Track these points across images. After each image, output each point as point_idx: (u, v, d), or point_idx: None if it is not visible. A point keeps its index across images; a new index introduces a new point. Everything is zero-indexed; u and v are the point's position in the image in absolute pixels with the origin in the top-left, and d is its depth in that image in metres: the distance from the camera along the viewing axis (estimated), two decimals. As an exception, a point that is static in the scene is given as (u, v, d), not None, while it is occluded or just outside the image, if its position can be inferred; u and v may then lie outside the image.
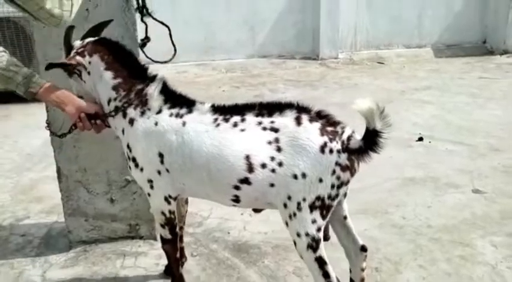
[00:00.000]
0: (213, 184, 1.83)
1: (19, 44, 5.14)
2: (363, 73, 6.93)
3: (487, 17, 8.11)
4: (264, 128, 1.77)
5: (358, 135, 1.75)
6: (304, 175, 1.71)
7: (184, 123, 1.85)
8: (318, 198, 1.72)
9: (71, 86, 2.15)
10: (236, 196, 1.83)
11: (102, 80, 1.92)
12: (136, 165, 1.93)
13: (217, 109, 1.87)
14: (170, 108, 1.89)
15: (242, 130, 1.79)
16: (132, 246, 2.62)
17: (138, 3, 2.49)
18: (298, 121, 1.75)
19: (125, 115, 1.92)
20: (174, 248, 2.10)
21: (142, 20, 2.47)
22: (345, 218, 1.97)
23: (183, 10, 6.92)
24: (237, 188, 1.79)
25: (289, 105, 1.80)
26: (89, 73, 1.92)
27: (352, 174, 1.76)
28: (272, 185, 1.75)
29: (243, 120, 1.81)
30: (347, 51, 7.80)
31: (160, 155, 1.86)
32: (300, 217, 1.74)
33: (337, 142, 1.72)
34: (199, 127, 1.83)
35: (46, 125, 2.22)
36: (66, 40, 1.94)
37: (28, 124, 4.62)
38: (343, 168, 1.72)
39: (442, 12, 8.04)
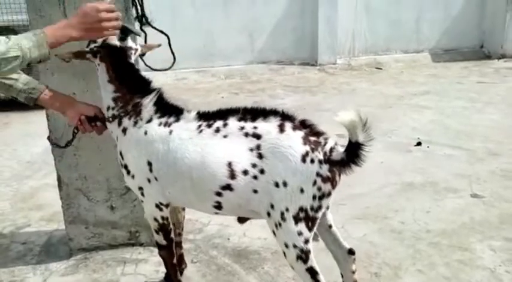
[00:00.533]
0: (196, 191, 1.84)
1: (19, 53, 5.16)
2: (361, 78, 6.97)
3: (484, 21, 8.18)
4: (246, 134, 1.76)
5: (341, 147, 1.74)
6: (285, 183, 1.70)
7: (171, 132, 1.87)
8: (301, 209, 1.72)
9: (72, 91, 2.19)
10: (218, 202, 1.83)
11: (104, 88, 1.96)
12: (128, 173, 1.97)
13: (202, 116, 1.88)
14: (160, 117, 1.91)
15: (224, 136, 1.79)
16: (133, 253, 2.63)
17: (137, 12, 2.52)
18: (281, 128, 1.74)
19: (120, 124, 1.96)
20: (170, 254, 2.12)
21: (141, 29, 2.50)
22: (330, 226, 1.98)
23: (183, 17, 6.98)
24: (219, 194, 1.80)
25: (273, 112, 1.79)
26: (97, 70, 1.95)
27: (333, 186, 1.74)
28: (255, 191, 1.75)
29: (225, 125, 1.80)
30: (345, 57, 7.86)
31: (149, 164, 1.88)
32: (286, 228, 1.74)
33: (319, 152, 1.71)
34: (184, 135, 1.84)
35: (48, 138, 2.24)
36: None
37: (28, 132, 4.64)
38: (324, 180, 1.71)
39: (439, 18, 8.11)
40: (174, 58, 2.61)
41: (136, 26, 2.52)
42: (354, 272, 2.01)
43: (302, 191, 1.70)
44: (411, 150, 4.14)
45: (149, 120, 1.91)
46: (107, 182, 2.55)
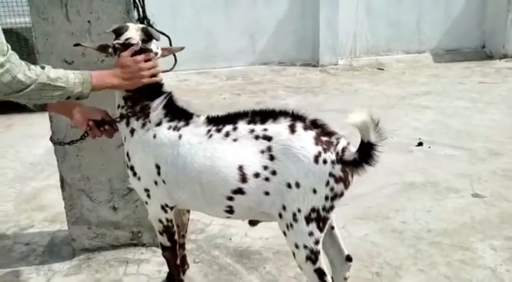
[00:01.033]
0: (206, 196, 1.84)
1: (22, 55, 5.18)
2: (363, 79, 6.98)
3: (485, 21, 8.17)
4: (257, 137, 1.76)
5: (353, 147, 1.74)
6: (298, 184, 1.70)
7: (180, 136, 1.86)
8: (313, 209, 1.72)
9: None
10: (230, 207, 1.83)
11: None
12: (134, 174, 1.96)
13: (211, 120, 1.88)
14: (169, 121, 1.90)
15: (234, 140, 1.78)
16: (135, 253, 2.64)
17: (139, 14, 2.54)
18: (292, 129, 1.73)
19: (128, 124, 1.96)
20: (173, 255, 2.12)
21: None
22: (332, 228, 1.98)
23: (184, 19, 7.00)
24: (230, 198, 1.80)
25: (283, 113, 1.79)
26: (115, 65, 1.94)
27: (346, 187, 1.74)
28: (267, 193, 1.75)
29: (235, 129, 1.80)
30: (347, 58, 7.86)
31: (157, 167, 1.88)
32: (297, 229, 1.74)
33: (331, 153, 1.70)
34: (194, 139, 1.84)
35: (50, 138, 2.25)
36: (119, 30, 1.92)
37: (30, 134, 4.67)
38: (337, 180, 1.71)
39: (441, 18, 8.10)
40: (176, 60, 2.62)
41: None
42: (346, 279, 2.01)
43: (315, 191, 1.70)
44: (412, 150, 4.14)
45: (158, 124, 1.90)
46: (109, 182, 2.57)
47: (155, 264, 2.54)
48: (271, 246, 2.68)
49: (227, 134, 1.80)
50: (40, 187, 3.61)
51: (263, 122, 1.79)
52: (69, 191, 2.57)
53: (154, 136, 1.90)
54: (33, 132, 4.61)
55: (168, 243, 2.09)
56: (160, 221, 2.03)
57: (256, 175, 1.74)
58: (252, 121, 1.80)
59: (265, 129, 1.76)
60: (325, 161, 1.69)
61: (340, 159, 1.71)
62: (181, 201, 1.96)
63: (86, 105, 2.08)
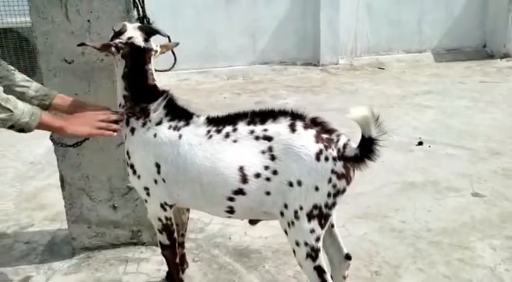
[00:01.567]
0: (206, 196, 1.85)
1: (22, 55, 5.22)
2: (363, 78, 6.98)
3: (486, 21, 8.16)
4: (257, 137, 1.76)
5: (354, 143, 1.75)
6: (299, 183, 1.71)
7: (180, 136, 1.87)
8: (315, 207, 1.73)
9: (73, 92, 2.21)
10: (231, 207, 1.84)
11: (119, 83, 1.96)
12: (134, 172, 1.97)
13: (211, 121, 1.88)
14: (170, 121, 1.91)
15: (234, 141, 1.79)
16: (135, 252, 2.65)
17: (138, 13, 2.54)
18: (292, 128, 1.74)
19: (128, 123, 1.97)
20: (172, 254, 2.13)
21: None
22: (332, 226, 1.98)
23: (184, 18, 7.00)
24: (231, 199, 1.81)
25: (283, 113, 1.79)
26: (116, 65, 1.94)
27: (348, 183, 1.75)
28: (268, 193, 1.76)
29: (234, 129, 1.81)
30: (347, 57, 7.86)
31: (157, 165, 1.89)
32: (298, 226, 1.75)
33: (332, 150, 1.71)
34: (194, 140, 1.84)
35: (50, 137, 2.25)
36: (119, 29, 1.92)
37: (32, 133, 4.64)
38: (339, 176, 1.72)
39: (441, 17, 8.09)
40: (175, 59, 2.62)
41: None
42: (345, 278, 2.02)
43: (317, 189, 1.71)
44: (413, 149, 4.14)
45: (159, 123, 1.91)
46: (109, 181, 2.58)
47: (155, 263, 2.54)
48: (270, 245, 2.68)
49: (227, 135, 1.81)
50: (40, 186, 3.61)
51: (263, 122, 1.80)
52: (69, 190, 2.57)
53: (155, 135, 1.90)
54: (35, 131, 4.61)
55: (167, 242, 2.10)
56: (159, 219, 2.03)
57: (257, 175, 1.75)
58: (251, 122, 1.81)
59: (265, 130, 1.77)
60: (326, 158, 1.70)
61: (341, 156, 1.72)
62: (181, 200, 1.96)
63: (89, 104, 2.09)
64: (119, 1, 2.31)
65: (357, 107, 1.65)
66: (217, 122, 1.88)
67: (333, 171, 1.71)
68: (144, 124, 1.93)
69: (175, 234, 2.12)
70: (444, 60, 7.92)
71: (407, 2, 7.91)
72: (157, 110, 1.93)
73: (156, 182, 1.93)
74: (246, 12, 7.34)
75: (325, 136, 1.75)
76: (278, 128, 1.76)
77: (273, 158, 1.74)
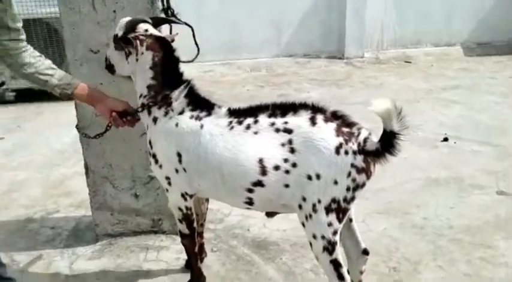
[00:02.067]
0: (226, 187, 1.87)
1: (51, 45, 5.33)
2: (389, 72, 6.85)
3: (519, 14, 7.88)
4: (277, 129, 1.77)
5: (376, 137, 1.73)
6: (318, 176, 1.70)
7: (202, 126, 1.89)
8: (334, 200, 1.72)
9: (99, 81, 2.26)
10: (249, 198, 1.86)
11: (142, 75, 1.97)
12: (156, 162, 2.00)
13: (233, 112, 1.90)
14: (192, 110, 1.93)
15: (255, 133, 1.80)
16: (155, 240, 2.70)
17: (163, 4, 2.56)
18: (312, 121, 1.74)
19: (149, 113, 2.00)
20: (192, 243, 2.16)
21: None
22: (351, 220, 1.98)
23: (209, 10, 7.02)
24: (250, 190, 1.82)
25: (303, 106, 1.80)
26: (136, 60, 1.95)
27: (368, 177, 1.74)
28: (287, 185, 1.77)
29: (256, 121, 1.82)
30: (373, 50, 7.73)
31: (179, 155, 1.92)
32: (316, 219, 1.75)
33: (353, 143, 1.71)
34: (215, 130, 1.86)
35: (76, 126, 2.31)
36: (131, 23, 1.93)
37: (59, 122, 4.79)
38: (359, 171, 1.71)
39: (472, 10, 7.85)
40: (198, 50, 2.63)
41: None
42: (361, 273, 2.01)
43: (336, 182, 1.71)
44: (437, 145, 4.06)
45: (181, 112, 1.93)
46: (131, 170, 2.63)
47: (174, 251, 2.59)
48: (288, 237, 2.69)
49: (248, 127, 1.83)
50: (67, 174, 3.71)
51: (284, 115, 1.80)
52: (93, 177, 2.64)
53: (177, 124, 1.93)
54: (62, 120, 4.73)
55: (186, 231, 2.13)
56: (180, 208, 2.07)
57: (277, 168, 1.75)
58: (272, 114, 1.82)
59: (285, 122, 1.78)
60: (346, 152, 1.69)
61: (362, 150, 1.71)
62: (202, 190, 1.99)
63: (109, 96, 2.13)
64: (143, -8, 2.33)
65: (380, 100, 1.63)
66: (238, 114, 1.89)
67: (352, 165, 1.70)
68: (166, 113, 1.95)
69: (195, 224, 2.15)
70: (474, 55, 7.70)
71: (436, -6, 7.71)
72: (178, 98, 1.95)
73: (177, 171, 1.95)
74: (271, 4, 7.30)
75: (345, 130, 1.74)
76: (299, 121, 1.76)
77: (292, 150, 1.74)
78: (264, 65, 7.25)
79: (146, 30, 1.94)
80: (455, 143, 4.08)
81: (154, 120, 1.98)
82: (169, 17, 2.62)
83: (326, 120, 1.75)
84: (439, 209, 2.98)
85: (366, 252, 1.99)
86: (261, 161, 1.77)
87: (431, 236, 2.68)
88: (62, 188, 3.47)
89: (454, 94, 5.60)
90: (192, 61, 2.69)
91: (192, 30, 2.61)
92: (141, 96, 2.02)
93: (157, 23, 2.10)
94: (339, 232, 1.80)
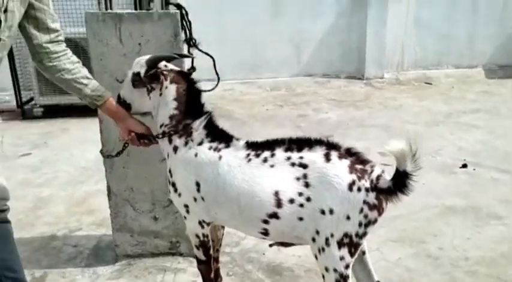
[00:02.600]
0: (243, 217, 1.93)
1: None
2: (409, 94, 6.85)
3: (543, 37, 7.80)
4: (293, 164, 1.83)
5: (388, 175, 1.78)
6: (331, 211, 1.75)
7: (220, 157, 1.96)
8: (346, 235, 1.77)
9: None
10: (265, 229, 1.91)
11: (165, 107, 2.05)
12: (175, 190, 2.07)
13: (250, 145, 1.97)
14: (210, 141, 2.00)
15: (272, 166, 1.87)
16: (173, 262, 2.77)
17: (185, 35, 2.68)
18: (327, 157, 1.80)
19: (170, 141, 2.08)
20: (208, 269, 2.22)
21: (189, 51, 2.65)
22: (364, 253, 2.01)
23: (231, 29, 7.16)
24: (265, 222, 1.88)
25: (319, 142, 1.86)
26: (160, 95, 2.04)
27: (380, 214, 1.78)
28: (301, 218, 1.82)
29: (272, 155, 1.88)
30: (393, 71, 7.74)
31: (197, 184, 1.98)
32: (329, 252, 1.79)
33: (366, 180, 1.75)
34: (233, 162, 1.93)
35: (100, 151, 2.42)
36: (152, 61, 2.01)
37: (84, 138, 4.93)
38: (371, 207, 1.75)
39: (494, 31, 7.82)
40: (218, 79, 2.72)
41: (185, 48, 2.67)
42: None
43: (348, 218, 1.75)
44: (456, 172, 4.04)
45: (200, 143, 2.00)
46: (151, 194, 2.72)
47: (191, 274, 2.65)
48: (303, 264, 2.73)
49: (265, 160, 1.89)
50: (90, 191, 3.82)
51: (299, 150, 1.86)
52: (115, 200, 2.74)
53: (196, 154, 2.00)
54: (87, 137, 4.87)
55: (203, 257, 2.19)
56: (197, 235, 2.13)
57: (291, 201, 1.81)
58: (288, 149, 1.88)
59: (301, 157, 1.84)
60: (359, 189, 1.74)
61: (374, 187, 1.75)
62: (219, 218, 2.05)
63: (132, 117, 2.22)
64: (167, 26, 2.45)
65: (396, 140, 1.68)
66: (256, 147, 1.96)
67: (364, 202, 1.75)
68: (186, 143, 2.03)
69: (211, 251, 2.21)
70: (496, 77, 7.63)
71: (459, 16, 7.70)
72: (198, 129, 2.03)
73: (195, 200, 2.02)
74: (292, 24, 7.41)
75: (359, 166, 1.79)
76: (313, 157, 1.82)
77: (307, 185, 1.80)
78: (283, 84, 7.34)
79: (166, 66, 2.05)
80: (474, 169, 4.05)
81: (175, 149, 2.06)
82: (191, 46, 2.73)
83: (340, 157, 1.80)
84: (455, 239, 2.97)
85: None
86: (276, 193, 1.83)
87: (446, 267, 2.68)
88: (84, 206, 3.58)
89: (474, 118, 5.57)
90: (211, 90, 2.79)
91: (213, 60, 2.71)
92: (162, 125, 2.09)
93: (179, 56, 2.19)
94: (351, 266, 1.83)
